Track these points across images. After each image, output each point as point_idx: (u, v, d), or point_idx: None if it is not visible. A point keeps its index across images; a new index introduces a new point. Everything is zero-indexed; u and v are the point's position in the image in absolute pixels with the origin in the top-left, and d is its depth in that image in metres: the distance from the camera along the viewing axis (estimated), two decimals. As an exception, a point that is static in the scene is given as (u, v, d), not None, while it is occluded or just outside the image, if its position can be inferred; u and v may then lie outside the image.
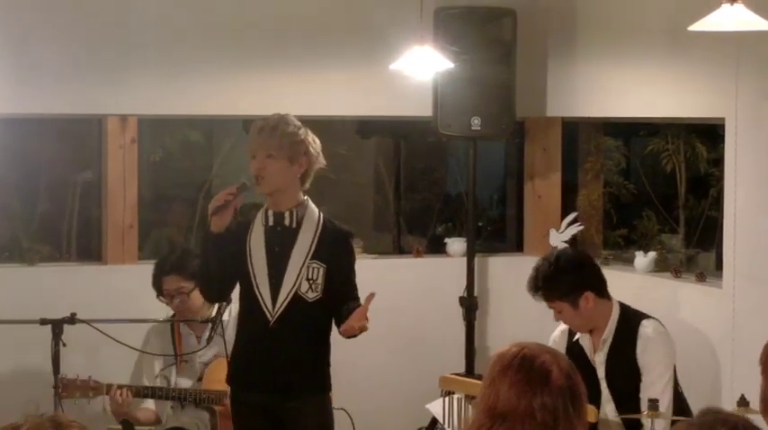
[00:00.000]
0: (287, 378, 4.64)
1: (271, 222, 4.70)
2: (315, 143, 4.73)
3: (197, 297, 5.28)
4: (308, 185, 4.75)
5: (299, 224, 4.69)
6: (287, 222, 4.69)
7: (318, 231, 4.68)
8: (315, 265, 4.65)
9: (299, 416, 4.65)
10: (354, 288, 4.74)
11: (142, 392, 5.24)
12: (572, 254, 5.22)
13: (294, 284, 4.63)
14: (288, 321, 4.62)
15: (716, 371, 5.29)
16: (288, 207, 4.70)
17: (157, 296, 5.39)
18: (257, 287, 4.65)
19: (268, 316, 4.63)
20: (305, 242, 4.67)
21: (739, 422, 2.50)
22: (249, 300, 4.69)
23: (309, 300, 4.65)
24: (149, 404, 5.37)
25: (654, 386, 4.80)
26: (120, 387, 5.14)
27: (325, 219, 4.73)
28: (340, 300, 4.67)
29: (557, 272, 4.91)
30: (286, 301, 4.62)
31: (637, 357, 4.86)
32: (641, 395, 4.80)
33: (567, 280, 4.91)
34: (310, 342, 4.69)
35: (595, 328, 4.95)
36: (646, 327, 4.91)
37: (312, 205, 4.74)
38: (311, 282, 4.64)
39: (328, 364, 4.76)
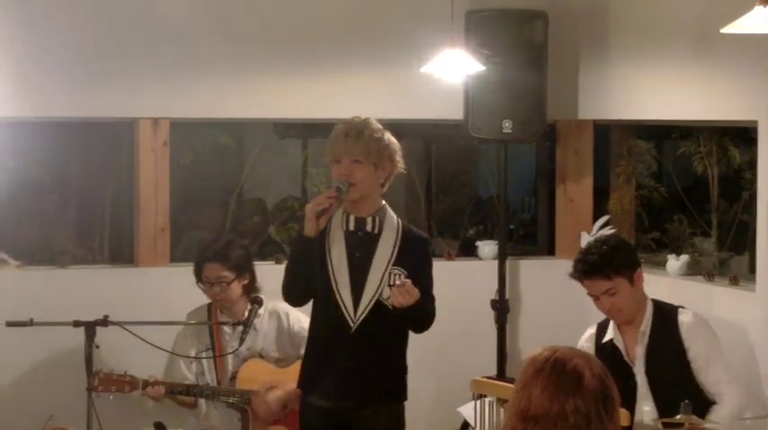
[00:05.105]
0: (366, 385, 4.58)
1: (352, 227, 4.63)
2: (396, 147, 4.68)
3: (237, 288, 5.30)
4: (386, 190, 4.69)
5: (381, 230, 4.63)
6: (369, 228, 4.63)
7: (399, 238, 4.63)
8: (397, 272, 4.57)
9: (370, 424, 4.60)
10: (430, 296, 4.69)
11: (176, 390, 5.24)
12: (615, 234, 5.24)
13: (377, 291, 4.57)
14: (369, 328, 4.56)
15: (750, 376, 5.26)
16: (369, 212, 4.64)
17: (197, 282, 5.38)
18: (338, 293, 4.57)
19: (350, 322, 4.57)
20: (386, 248, 4.61)
21: None
22: (327, 305, 4.60)
23: (391, 307, 4.55)
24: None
25: (709, 370, 4.80)
26: (155, 382, 5.15)
27: (403, 225, 4.69)
28: None
29: (613, 248, 4.91)
30: (368, 308, 4.56)
31: (683, 344, 4.84)
32: (701, 379, 4.79)
33: (624, 254, 4.92)
34: (391, 348, 4.65)
35: (632, 322, 4.94)
36: (683, 314, 4.91)
37: (390, 211, 4.69)
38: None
39: (406, 372, 4.72)
